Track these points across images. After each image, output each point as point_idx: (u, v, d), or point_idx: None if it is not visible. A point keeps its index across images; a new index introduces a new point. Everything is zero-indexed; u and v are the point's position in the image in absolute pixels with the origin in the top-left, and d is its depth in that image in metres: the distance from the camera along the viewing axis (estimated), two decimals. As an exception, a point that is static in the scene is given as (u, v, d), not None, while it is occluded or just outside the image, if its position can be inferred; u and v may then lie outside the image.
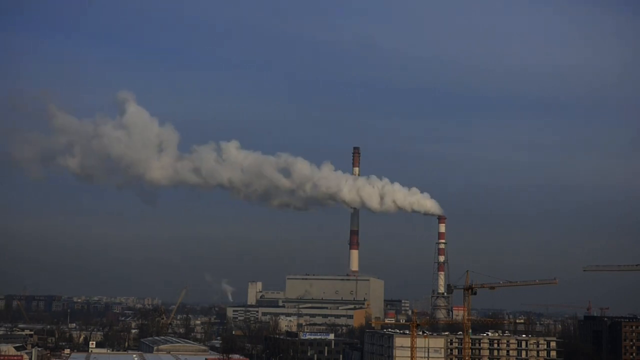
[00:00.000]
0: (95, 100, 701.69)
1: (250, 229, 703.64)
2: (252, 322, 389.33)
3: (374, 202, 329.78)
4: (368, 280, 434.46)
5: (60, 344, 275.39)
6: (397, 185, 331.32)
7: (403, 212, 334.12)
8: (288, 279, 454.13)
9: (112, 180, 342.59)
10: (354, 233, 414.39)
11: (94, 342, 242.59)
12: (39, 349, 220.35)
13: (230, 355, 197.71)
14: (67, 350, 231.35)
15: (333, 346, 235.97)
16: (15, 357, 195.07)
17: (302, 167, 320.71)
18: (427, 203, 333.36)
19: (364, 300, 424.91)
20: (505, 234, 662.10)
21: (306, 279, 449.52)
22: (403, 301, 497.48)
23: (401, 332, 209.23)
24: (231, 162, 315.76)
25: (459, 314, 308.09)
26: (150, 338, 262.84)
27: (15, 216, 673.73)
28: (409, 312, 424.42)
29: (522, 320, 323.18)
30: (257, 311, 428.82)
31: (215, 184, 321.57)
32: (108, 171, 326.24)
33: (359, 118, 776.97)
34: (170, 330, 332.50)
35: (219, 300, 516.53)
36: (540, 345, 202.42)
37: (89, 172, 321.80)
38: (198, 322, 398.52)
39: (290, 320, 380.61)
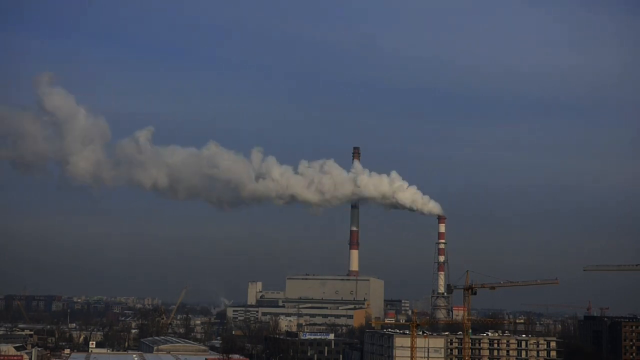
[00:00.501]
0: (95, 100, 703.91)
1: (246, 229, 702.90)
2: (252, 322, 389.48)
3: (310, 195, 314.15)
4: (368, 280, 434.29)
5: (60, 344, 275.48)
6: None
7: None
8: (288, 279, 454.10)
9: (51, 178, 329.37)
10: (354, 233, 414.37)
11: (94, 342, 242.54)
12: (39, 349, 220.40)
13: (230, 355, 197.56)
14: (67, 350, 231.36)
15: (333, 346, 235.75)
16: (15, 357, 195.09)
17: (228, 161, 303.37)
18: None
19: (364, 300, 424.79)
20: (505, 234, 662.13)
21: (306, 279, 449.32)
22: (403, 301, 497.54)
23: (401, 332, 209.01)
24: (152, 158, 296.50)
25: (459, 314, 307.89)
26: (150, 338, 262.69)
27: (15, 216, 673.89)
28: (409, 312, 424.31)
29: (522, 320, 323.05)
30: (257, 311, 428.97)
31: (146, 186, 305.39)
32: (43, 164, 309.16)
33: (359, 118, 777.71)
34: (170, 330, 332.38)
35: (213, 303, 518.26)
36: (540, 345, 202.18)
37: (26, 165, 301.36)
38: (198, 322, 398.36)
39: (290, 320, 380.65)
